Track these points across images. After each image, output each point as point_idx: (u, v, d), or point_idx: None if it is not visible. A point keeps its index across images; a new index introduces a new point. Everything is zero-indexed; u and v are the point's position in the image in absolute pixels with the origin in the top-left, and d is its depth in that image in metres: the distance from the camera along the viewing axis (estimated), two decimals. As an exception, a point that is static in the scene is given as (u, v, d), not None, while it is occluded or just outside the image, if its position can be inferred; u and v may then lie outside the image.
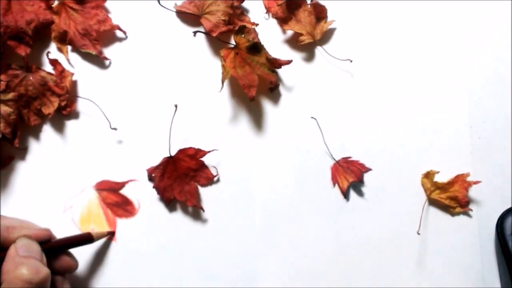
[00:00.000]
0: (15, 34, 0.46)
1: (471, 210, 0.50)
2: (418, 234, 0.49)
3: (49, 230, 0.42)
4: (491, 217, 0.50)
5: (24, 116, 0.46)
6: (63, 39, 0.49)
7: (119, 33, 0.50)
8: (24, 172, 0.47)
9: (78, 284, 0.45)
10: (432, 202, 0.50)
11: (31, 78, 0.46)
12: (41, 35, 0.48)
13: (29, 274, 0.36)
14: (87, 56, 0.49)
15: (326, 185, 0.50)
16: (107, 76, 0.50)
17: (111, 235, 0.46)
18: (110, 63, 0.50)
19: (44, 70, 0.47)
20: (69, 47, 0.49)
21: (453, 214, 0.50)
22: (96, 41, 0.49)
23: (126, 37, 0.50)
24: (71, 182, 0.47)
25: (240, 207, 0.48)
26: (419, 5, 0.55)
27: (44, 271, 0.37)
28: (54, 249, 0.41)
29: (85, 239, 0.43)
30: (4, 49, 0.47)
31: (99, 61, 0.50)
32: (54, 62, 0.48)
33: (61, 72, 0.48)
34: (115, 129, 0.48)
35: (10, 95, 0.45)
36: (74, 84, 0.49)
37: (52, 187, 0.47)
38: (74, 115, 0.49)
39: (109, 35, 0.50)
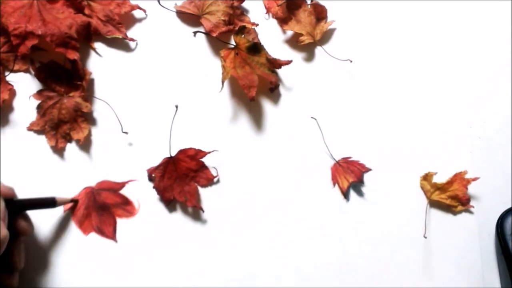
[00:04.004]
0: (62, 40, 0.46)
1: (473, 207, 0.50)
2: (425, 237, 0.49)
3: (13, 189, 0.42)
4: (491, 217, 0.50)
5: (50, 137, 0.47)
6: (88, 33, 0.49)
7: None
8: (25, 170, 0.47)
9: (77, 283, 0.45)
10: (433, 203, 0.50)
11: (65, 101, 0.47)
12: (81, 37, 0.48)
13: None
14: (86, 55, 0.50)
15: (326, 185, 0.50)
16: (106, 76, 0.50)
17: (75, 202, 0.46)
18: (136, 44, 0.50)
19: (80, 96, 0.47)
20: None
21: (455, 213, 0.50)
22: (120, 24, 0.49)
23: (146, 15, 0.51)
24: (71, 182, 0.47)
25: (240, 207, 0.48)
26: (419, 5, 0.55)
27: (3, 233, 0.36)
28: (16, 207, 0.41)
29: (48, 202, 0.43)
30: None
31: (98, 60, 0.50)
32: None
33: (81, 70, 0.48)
34: (126, 133, 0.48)
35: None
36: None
37: (52, 186, 0.47)
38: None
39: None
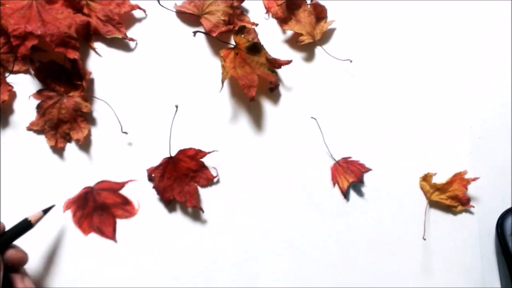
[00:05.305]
0: (61, 40, 0.46)
1: (473, 207, 0.50)
2: (424, 239, 0.49)
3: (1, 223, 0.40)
4: (491, 217, 0.50)
5: (50, 137, 0.47)
6: (87, 32, 0.49)
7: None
8: (25, 170, 0.47)
9: (77, 283, 0.45)
10: (433, 204, 0.50)
11: (65, 101, 0.47)
12: (80, 37, 0.48)
13: None
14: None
15: (326, 185, 0.50)
16: (106, 76, 0.50)
17: (52, 207, 0.43)
18: (136, 44, 0.50)
19: (80, 96, 0.47)
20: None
21: (455, 213, 0.50)
22: (120, 24, 0.49)
23: (146, 15, 0.51)
24: (71, 182, 0.47)
25: (240, 207, 0.48)
26: (419, 5, 0.55)
27: None
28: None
29: (24, 226, 0.41)
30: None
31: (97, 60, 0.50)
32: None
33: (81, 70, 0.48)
34: (126, 133, 0.48)
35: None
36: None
37: (52, 186, 0.47)
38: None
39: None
